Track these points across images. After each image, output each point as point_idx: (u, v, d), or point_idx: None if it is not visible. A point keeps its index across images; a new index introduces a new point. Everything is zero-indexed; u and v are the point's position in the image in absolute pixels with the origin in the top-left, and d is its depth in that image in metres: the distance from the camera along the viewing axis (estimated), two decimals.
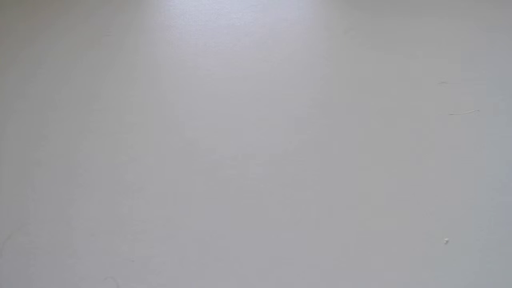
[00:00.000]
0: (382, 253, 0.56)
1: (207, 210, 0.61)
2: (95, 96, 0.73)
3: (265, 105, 0.73)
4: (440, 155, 0.65)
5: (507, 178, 0.63)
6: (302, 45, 0.81)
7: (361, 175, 0.63)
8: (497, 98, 0.71)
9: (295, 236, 0.58)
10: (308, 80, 0.77)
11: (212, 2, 0.86)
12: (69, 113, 0.73)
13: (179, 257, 0.56)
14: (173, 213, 0.61)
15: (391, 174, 0.64)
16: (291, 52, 0.80)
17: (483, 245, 0.56)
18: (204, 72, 0.78)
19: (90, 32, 0.84)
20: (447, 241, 0.57)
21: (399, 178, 0.63)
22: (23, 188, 0.63)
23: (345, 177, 0.63)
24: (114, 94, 0.74)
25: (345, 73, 0.76)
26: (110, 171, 0.65)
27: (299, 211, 0.60)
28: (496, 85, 0.72)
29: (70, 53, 0.80)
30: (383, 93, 0.72)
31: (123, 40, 0.82)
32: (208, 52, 0.81)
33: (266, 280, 0.54)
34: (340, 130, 0.69)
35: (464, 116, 0.69)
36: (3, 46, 0.80)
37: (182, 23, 0.84)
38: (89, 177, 0.64)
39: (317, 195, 0.62)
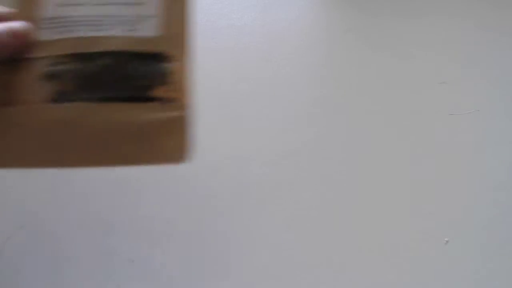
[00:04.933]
0: (382, 253, 0.56)
1: (207, 210, 0.61)
2: None
3: (265, 105, 0.73)
4: (440, 155, 0.65)
5: (507, 178, 0.63)
6: (302, 45, 0.81)
7: (361, 175, 0.64)
8: (497, 98, 0.71)
9: (295, 236, 0.58)
10: (308, 80, 0.77)
11: (212, 2, 0.86)
12: None
13: (179, 257, 0.56)
14: (173, 212, 0.61)
15: (391, 173, 0.64)
16: (291, 52, 0.80)
17: (483, 245, 0.56)
18: (204, 72, 0.78)
19: None
20: (447, 241, 0.57)
21: (399, 178, 0.63)
22: (23, 188, 0.63)
23: (345, 177, 0.63)
24: None
25: (345, 73, 0.76)
26: (110, 170, 0.65)
27: (299, 211, 0.60)
28: (496, 85, 0.72)
29: None
30: (383, 93, 0.72)
31: None
32: (208, 52, 0.81)
33: (267, 280, 0.54)
34: (339, 130, 0.69)
35: (464, 116, 0.69)
36: None
37: None
38: (89, 177, 0.64)
39: (317, 195, 0.62)
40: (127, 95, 0.33)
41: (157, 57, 0.34)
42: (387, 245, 0.57)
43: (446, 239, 0.56)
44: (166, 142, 0.31)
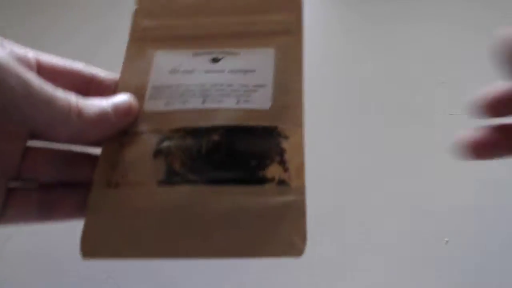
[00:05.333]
0: (381, 253, 0.56)
1: None
2: None
3: None
4: (440, 155, 0.65)
5: (507, 178, 0.63)
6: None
7: (361, 175, 0.63)
8: None
9: None
10: (307, 80, 0.76)
11: None
12: None
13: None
14: None
15: (390, 174, 0.64)
16: None
17: (483, 245, 0.56)
18: None
19: (91, 33, 0.84)
20: (447, 241, 0.57)
21: (399, 178, 0.63)
22: None
23: (344, 178, 0.63)
24: None
25: (345, 73, 0.76)
26: None
27: None
28: None
29: (70, 54, 0.80)
30: (382, 93, 0.72)
31: (123, 40, 0.82)
32: None
33: (267, 280, 0.54)
34: (338, 130, 0.69)
35: (464, 116, 0.69)
36: None
37: None
38: None
39: (316, 195, 0.62)
40: (238, 177, 0.29)
41: (270, 132, 0.31)
42: (387, 244, 0.56)
43: (446, 239, 0.56)
44: (284, 232, 0.28)
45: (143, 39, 0.37)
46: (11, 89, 0.27)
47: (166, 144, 0.31)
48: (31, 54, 0.33)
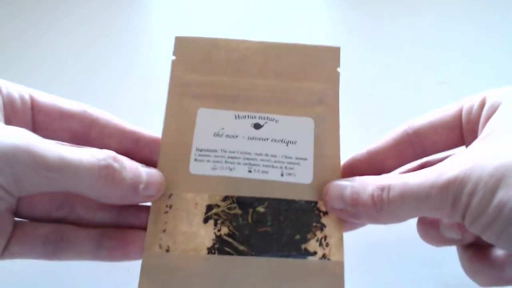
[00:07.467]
0: (382, 252, 0.56)
1: None
2: (93, 97, 0.73)
3: None
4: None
5: None
6: None
7: None
8: None
9: None
10: None
11: (212, 2, 0.86)
12: None
13: None
14: None
15: None
16: None
17: None
18: None
19: (88, 32, 0.83)
20: None
21: None
22: None
23: None
24: (112, 95, 0.74)
25: (345, 73, 0.76)
26: None
27: None
28: (496, 85, 0.71)
29: (68, 53, 0.80)
30: (382, 93, 0.72)
31: (121, 40, 0.82)
32: None
33: None
34: (339, 130, 0.69)
35: None
36: (1, 46, 0.80)
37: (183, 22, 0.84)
38: None
39: None
40: (283, 249, 0.32)
41: (311, 207, 0.33)
42: (387, 244, 0.56)
43: None
44: None
45: (184, 94, 0.37)
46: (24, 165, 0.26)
47: (215, 211, 0.33)
48: (83, 108, 0.35)
